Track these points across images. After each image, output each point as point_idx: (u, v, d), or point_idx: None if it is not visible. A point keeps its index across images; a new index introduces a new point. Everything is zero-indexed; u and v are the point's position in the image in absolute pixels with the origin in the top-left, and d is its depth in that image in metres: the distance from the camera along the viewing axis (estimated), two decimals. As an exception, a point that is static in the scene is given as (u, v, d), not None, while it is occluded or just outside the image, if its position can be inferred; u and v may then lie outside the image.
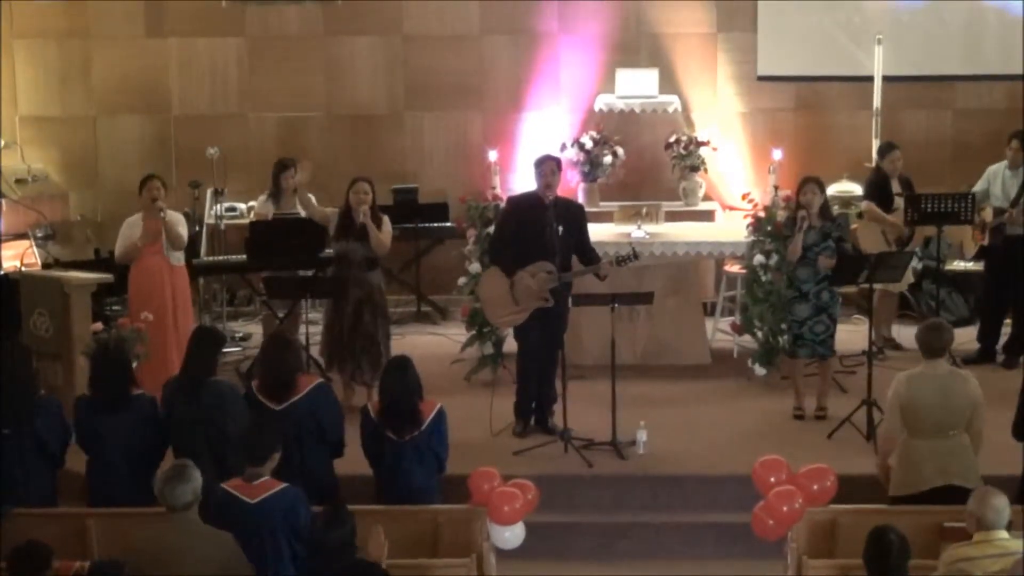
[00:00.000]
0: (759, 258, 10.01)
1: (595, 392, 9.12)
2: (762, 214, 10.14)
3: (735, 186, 12.42)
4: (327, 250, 9.87)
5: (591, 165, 12.11)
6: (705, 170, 12.32)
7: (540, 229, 8.71)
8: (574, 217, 8.95)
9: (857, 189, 11.84)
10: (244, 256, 10.45)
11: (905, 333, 10.71)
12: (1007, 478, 7.27)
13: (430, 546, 6.82)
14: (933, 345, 7.26)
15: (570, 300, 8.98)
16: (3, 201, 11.92)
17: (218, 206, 11.69)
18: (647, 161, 12.41)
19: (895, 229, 10.55)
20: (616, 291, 8.99)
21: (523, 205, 8.97)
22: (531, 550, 7.32)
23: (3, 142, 12.56)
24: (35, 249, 11.39)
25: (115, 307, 10.76)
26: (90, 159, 13.04)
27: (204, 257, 11.26)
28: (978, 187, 10.50)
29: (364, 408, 7.57)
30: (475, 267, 10.15)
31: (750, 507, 7.09)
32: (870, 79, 12.03)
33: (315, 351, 9.73)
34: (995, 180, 10.42)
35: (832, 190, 11.49)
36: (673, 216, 11.40)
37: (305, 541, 6.23)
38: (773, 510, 6.89)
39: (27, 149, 12.90)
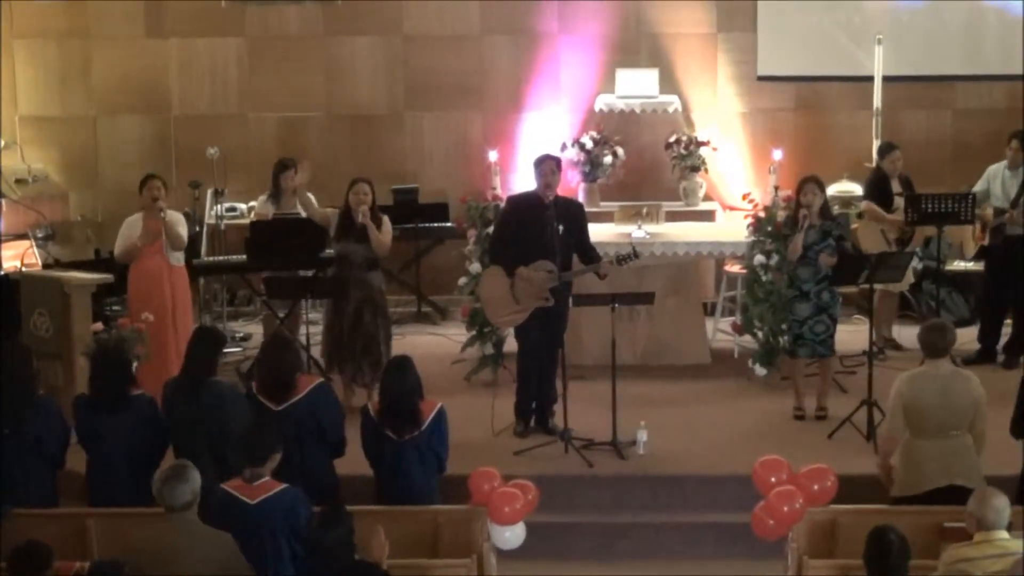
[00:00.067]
0: (759, 258, 10.01)
1: (595, 392, 9.12)
2: (762, 214, 10.14)
3: (735, 186, 12.42)
4: (327, 250, 9.87)
5: (591, 165, 12.11)
6: (705, 170, 12.31)
7: (540, 229, 8.71)
8: (574, 216, 8.95)
9: (857, 189, 11.83)
10: (244, 256, 10.45)
11: (905, 333, 10.72)
12: (1007, 478, 7.27)
13: (430, 546, 6.82)
14: (936, 345, 7.26)
15: (570, 300, 8.98)
16: (3, 201, 11.92)
17: (218, 206, 11.69)
18: (647, 161, 12.40)
19: (895, 227, 10.55)
20: (616, 291, 8.99)
21: (523, 205, 8.97)
22: (531, 550, 7.32)
23: (3, 142, 12.56)
24: (35, 249, 11.39)
25: (115, 307, 10.76)
26: (90, 159, 13.04)
27: (204, 257, 11.26)
28: (978, 187, 10.50)
29: (364, 408, 7.57)
30: (475, 267, 10.15)
31: (750, 507, 7.09)
32: (870, 79, 12.03)
33: (316, 351, 9.74)
34: (995, 180, 10.42)
35: (832, 190, 11.49)
36: (673, 216, 11.39)
37: (304, 541, 6.23)
38: (773, 510, 6.89)
39: (27, 149, 12.91)
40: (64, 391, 8.67)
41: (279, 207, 10.68)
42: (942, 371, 7.27)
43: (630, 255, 8.82)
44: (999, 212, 10.29)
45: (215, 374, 7.47)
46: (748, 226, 10.21)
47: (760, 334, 10.06)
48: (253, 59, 12.85)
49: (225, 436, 7.12)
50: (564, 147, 12.00)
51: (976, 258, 11.15)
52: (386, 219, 9.62)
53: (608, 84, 12.51)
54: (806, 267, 9.18)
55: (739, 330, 10.31)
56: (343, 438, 7.49)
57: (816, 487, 7.02)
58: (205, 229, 11.86)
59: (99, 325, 9.81)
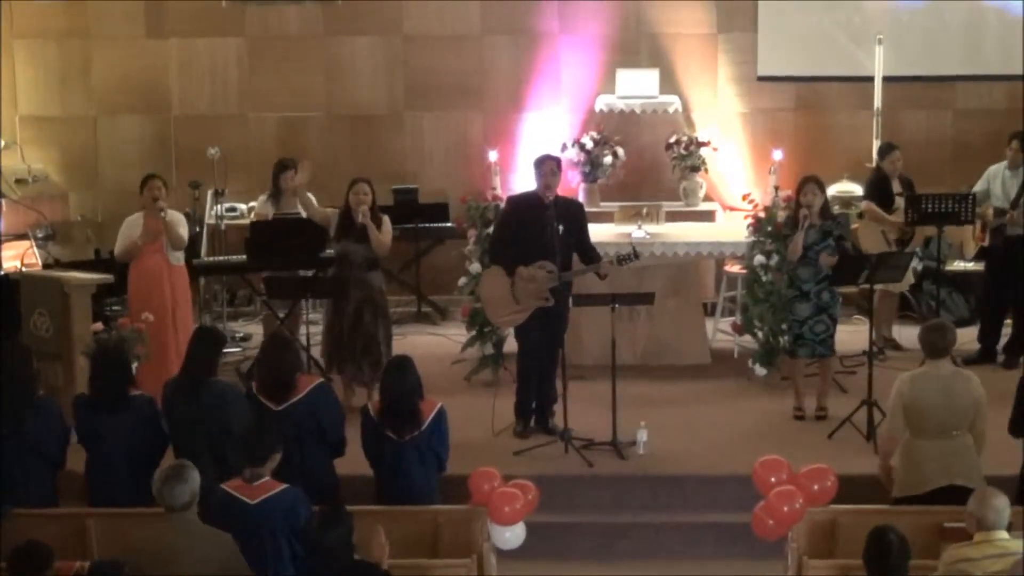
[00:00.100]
0: (759, 258, 10.01)
1: (595, 392, 9.12)
2: (762, 214, 10.14)
3: (735, 186, 12.42)
4: (327, 251, 9.87)
5: (591, 165, 12.11)
6: (705, 170, 12.31)
7: (540, 229, 8.71)
8: (574, 216, 8.95)
9: (857, 189, 11.84)
10: (244, 256, 10.45)
11: (905, 333, 10.73)
12: (1007, 478, 7.28)
13: (430, 546, 6.82)
14: (936, 345, 7.26)
15: (570, 300, 8.98)
16: (3, 201, 11.92)
17: (218, 206, 11.69)
18: (647, 161, 12.41)
19: (895, 228, 10.54)
20: (616, 291, 8.99)
21: (523, 205, 8.97)
22: (531, 550, 7.32)
23: (3, 142, 12.56)
24: (35, 249, 11.39)
25: (115, 307, 10.75)
26: (90, 159, 13.04)
27: (204, 257, 11.26)
28: (978, 187, 10.50)
29: (364, 408, 7.57)
30: (475, 267, 10.15)
31: (750, 507, 7.09)
32: (870, 79, 12.03)
33: (316, 351, 9.74)
34: (995, 180, 10.42)
35: (832, 190, 11.49)
36: (673, 216, 11.39)
37: (305, 542, 6.23)
38: (773, 510, 6.89)
39: (27, 149, 12.91)
40: (64, 391, 8.66)
41: (279, 207, 10.68)
42: (943, 371, 7.27)
43: (630, 255, 8.82)
44: (999, 212, 10.29)
45: (215, 374, 7.47)
46: (748, 226, 10.21)
47: (760, 334, 10.06)
48: (253, 59, 12.85)
49: (225, 436, 7.12)
50: (564, 147, 12.01)
51: (976, 258, 11.15)
52: (386, 219, 9.62)
53: (608, 84, 12.51)
54: (806, 267, 9.18)
55: (739, 330, 10.31)
56: (343, 438, 7.49)
57: (816, 487, 7.02)
58: (205, 229, 11.86)
59: (99, 325, 9.80)
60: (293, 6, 12.77)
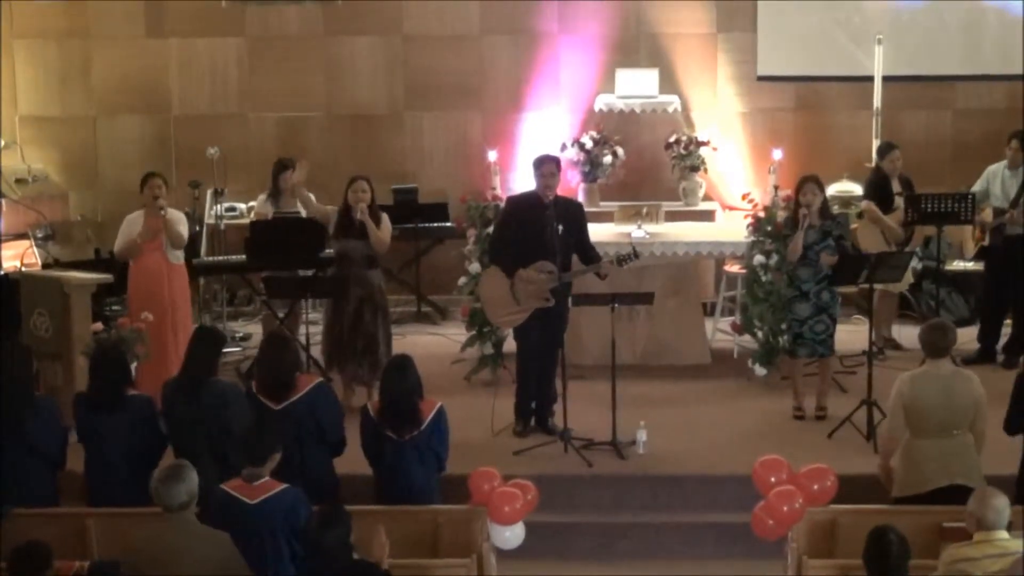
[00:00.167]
0: (759, 258, 10.01)
1: (595, 392, 9.12)
2: (762, 214, 10.14)
3: (735, 186, 12.42)
4: (327, 250, 9.87)
5: (591, 165, 12.11)
6: (705, 170, 12.31)
7: (540, 229, 8.70)
8: (574, 217, 8.95)
9: (857, 189, 11.84)
10: (244, 256, 10.45)
11: (905, 333, 10.73)
12: (1007, 478, 7.28)
13: (430, 546, 6.82)
14: (937, 345, 7.26)
15: (570, 300, 8.98)
16: (3, 201, 11.91)
17: (218, 206, 11.69)
18: (647, 161, 12.41)
19: (893, 233, 10.54)
20: (616, 291, 8.99)
21: (523, 205, 8.97)
22: (531, 550, 7.33)
23: (3, 142, 12.56)
24: (35, 249, 11.39)
25: (115, 307, 10.75)
26: (90, 159, 13.04)
27: (204, 257, 11.26)
28: (978, 187, 10.50)
29: (364, 408, 7.57)
30: (475, 267, 10.15)
31: (750, 507, 7.09)
32: (870, 79, 12.03)
33: (316, 351, 9.73)
34: (995, 180, 10.42)
35: (832, 190, 11.50)
36: (673, 216, 11.40)
37: (305, 542, 6.23)
38: (773, 510, 6.89)
39: (27, 149, 12.90)
40: (64, 391, 8.66)
41: (279, 207, 10.68)
42: (943, 371, 7.27)
43: (630, 255, 8.82)
44: (999, 212, 10.29)
45: (215, 374, 7.47)
46: (748, 226, 10.21)
47: (760, 334, 10.06)
48: (253, 59, 12.85)
49: (225, 436, 7.12)
50: (564, 147, 12.01)
51: (976, 258, 11.15)
52: (385, 216, 9.62)
53: (608, 84, 12.51)
54: (806, 267, 9.18)
55: (739, 330, 10.31)
56: (343, 438, 7.49)
57: (816, 487, 7.01)
58: (205, 229, 11.86)
59: (99, 325, 9.81)
60: (293, 6, 12.77)
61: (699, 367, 10.48)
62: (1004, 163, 10.39)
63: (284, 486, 6.38)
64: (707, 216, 12.03)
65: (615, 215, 11.11)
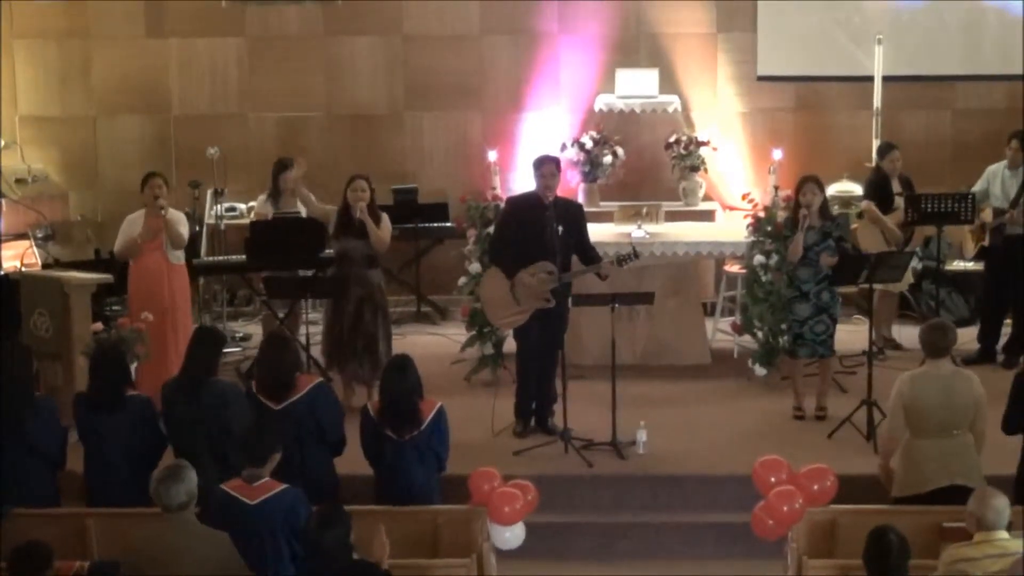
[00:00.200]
0: (759, 258, 10.01)
1: (595, 392, 9.12)
2: (762, 214, 10.14)
3: (735, 186, 12.42)
4: (327, 250, 9.87)
5: (591, 165, 12.11)
6: (705, 170, 12.31)
7: (540, 229, 8.70)
8: (574, 217, 8.95)
9: (857, 189, 11.84)
10: (244, 256, 10.44)
11: (905, 333, 10.73)
12: (1007, 478, 7.27)
13: (430, 546, 6.82)
14: (937, 345, 7.26)
15: (570, 300, 8.98)
16: (3, 201, 11.91)
17: (218, 206, 11.69)
18: (647, 161, 12.41)
19: (893, 235, 10.54)
20: (616, 291, 8.99)
21: (523, 205, 8.97)
22: (531, 550, 7.33)
23: (3, 142, 12.56)
24: (35, 249, 11.39)
25: (115, 307, 10.76)
26: (90, 159, 13.04)
27: (204, 257, 11.26)
28: (978, 187, 10.50)
29: (364, 408, 7.57)
30: (475, 267, 10.15)
31: (750, 507, 7.10)
32: (870, 79, 12.03)
33: (316, 351, 9.73)
34: (995, 180, 10.42)
35: (832, 190, 11.50)
36: (673, 216, 11.40)
37: (305, 542, 6.23)
38: (773, 510, 6.89)
39: (27, 149, 12.90)
40: (64, 391, 8.66)
41: (279, 207, 10.67)
42: (943, 371, 7.27)
43: (630, 255, 8.82)
44: (999, 212, 10.29)
45: (215, 374, 7.47)
46: (748, 226, 10.21)
47: (760, 334, 10.06)
48: (253, 59, 12.85)
49: (225, 436, 7.12)
50: (564, 147, 12.01)
51: (976, 258, 11.15)
52: (385, 216, 9.62)
53: (608, 84, 12.51)
54: (806, 267, 9.18)
55: (739, 330, 10.30)
56: (343, 438, 7.49)
57: (816, 487, 7.02)
58: (205, 229, 11.86)
59: (99, 325, 9.81)
60: (293, 6, 12.77)
61: (699, 367, 10.48)
62: (1004, 163, 10.39)
63: (284, 486, 6.38)
64: (707, 216, 12.03)
65: (615, 215, 11.11)
